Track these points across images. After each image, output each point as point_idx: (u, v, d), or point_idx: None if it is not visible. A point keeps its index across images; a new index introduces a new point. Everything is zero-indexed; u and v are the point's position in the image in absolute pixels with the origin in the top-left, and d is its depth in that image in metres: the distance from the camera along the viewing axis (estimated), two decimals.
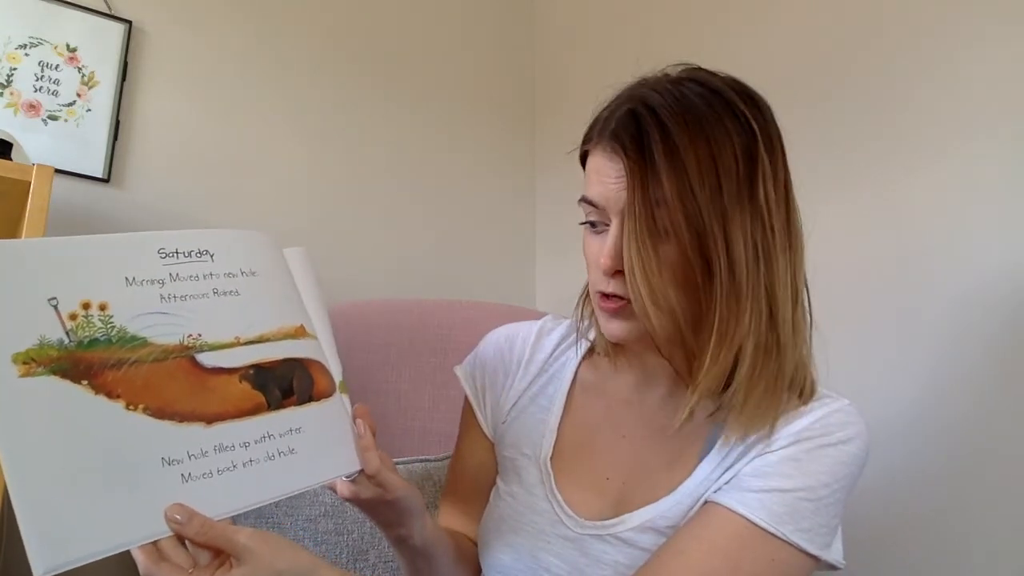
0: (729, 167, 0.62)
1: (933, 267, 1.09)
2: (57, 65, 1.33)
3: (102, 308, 0.52)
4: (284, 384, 0.59)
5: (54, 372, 0.49)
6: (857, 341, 1.15)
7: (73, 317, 0.51)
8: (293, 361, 0.60)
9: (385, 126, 1.72)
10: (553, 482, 0.74)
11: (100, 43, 1.38)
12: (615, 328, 0.68)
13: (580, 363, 0.81)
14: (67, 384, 0.49)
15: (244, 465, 0.54)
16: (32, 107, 1.31)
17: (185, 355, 0.55)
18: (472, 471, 0.84)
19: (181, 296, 0.56)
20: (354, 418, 0.64)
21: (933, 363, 1.07)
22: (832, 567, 0.66)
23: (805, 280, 0.69)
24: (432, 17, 1.83)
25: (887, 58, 1.17)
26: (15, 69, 1.30)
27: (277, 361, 0.59)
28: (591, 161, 0.69)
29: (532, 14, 1.98)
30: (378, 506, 0.65)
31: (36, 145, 1.29)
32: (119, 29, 1.40)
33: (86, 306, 0.52)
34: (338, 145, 1.65)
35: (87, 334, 0.51)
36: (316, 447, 0.59)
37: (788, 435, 0.66)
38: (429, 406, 1.28)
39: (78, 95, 1.35)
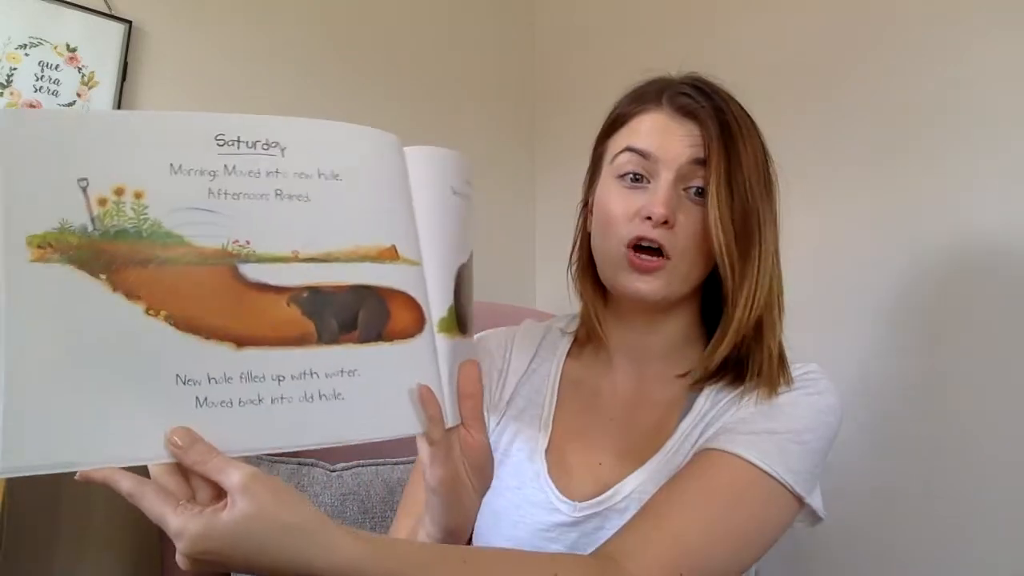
0: (762, 157, 0.73)
1: (933, 265, 1.09)
2: (57, 65, 1.33)
3: (137, 196, 0.45)
4: (346, 315, 0.50)
5: (71, 261, 0.44)
6: (852, 340, 1.15)
7: (102, 202, 0.44)
8: (365, 289, 0.50)
9: (386, 126, 1.70)
10: (546, 472, 0.75)
11: (100, 43, 1.37)
12: (643, 286, 0.71)
13: (565, 359, 0.83)
14: (83, 276, 0.44)
15: (273, 401, 0.47)
16: (32, 107, 1.30)
17: (226, 263, 0.47)
18: None
19: (233, 194, 0.47)
20: (459, 382, 0.55)
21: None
22: (815, 516, 0.69)
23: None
24: (433, 17, 1.82)
25: (887, 57, 1.17)
26: (15, 69, 1.30)
27: (344, 286, 0.50)
28: (647, 119, 0.73)
29: (532, 14, 1.98)
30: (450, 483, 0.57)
31: None
32: (119, 29, 1.39)
33: (119, 192, 0.45)
34: None
35: (115, 223, 0.45)
36: (370, 396, 0.50)
37: (767, 392, 0.71)
38: None
39: (78, 95, 1.35)
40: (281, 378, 0.47)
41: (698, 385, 0.74)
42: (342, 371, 0.49)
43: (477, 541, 0.78)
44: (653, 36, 1.61)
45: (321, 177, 0.50)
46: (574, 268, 0.82)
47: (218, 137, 0.47)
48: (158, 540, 1.13)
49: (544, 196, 1.91)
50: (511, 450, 0.79)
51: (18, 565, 1.14)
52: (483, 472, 0.58)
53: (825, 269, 1.20)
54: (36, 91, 1.31)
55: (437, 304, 0.54)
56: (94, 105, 1.35)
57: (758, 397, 0.70)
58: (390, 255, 0.52)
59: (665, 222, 0.69)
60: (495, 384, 0.83)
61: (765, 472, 0.65)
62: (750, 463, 0.65)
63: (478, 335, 0.87)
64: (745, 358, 0.72)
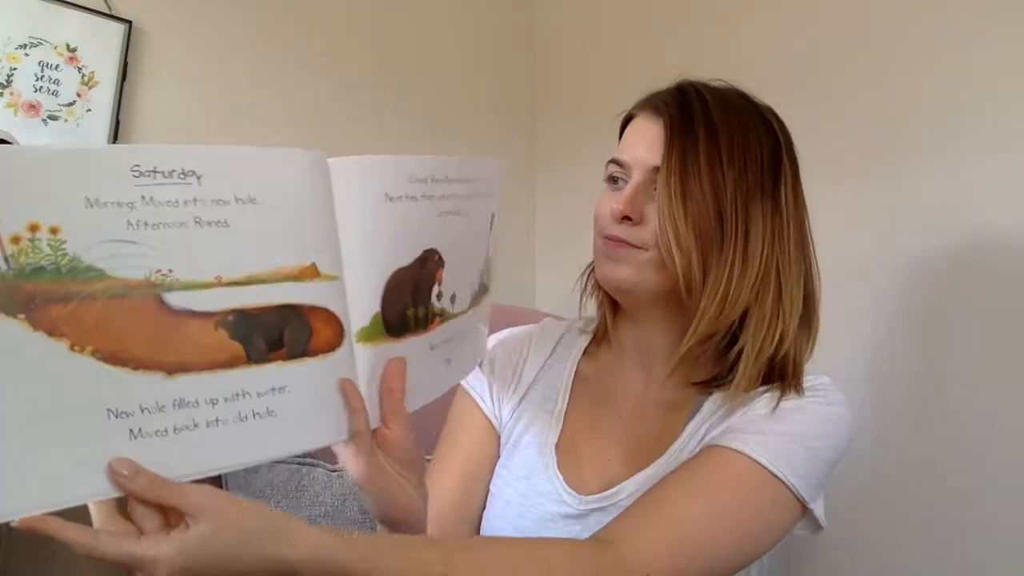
0: (756, 157, 0.71)
1: (938, 267, 1.09)
2: (57, 65, 1.33)
3: (53, 232, 0.43)
4: (272, 335, 0.51)
5: None
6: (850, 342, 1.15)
7: (16, 240, 0.42)
8: (289, 308, 0.52)
9: (386, 126, 1.72)
10: (556, 465, 0.77)
11: (100, 43, 1.37)
12: (613, 273, 0.73)
13: (581, 358, 0.85)
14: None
15: (208, 425, 0.48)
16: (32, 107, 1.31)
17: (150, 293, 0.46)
18: (474, 462, 0.84)
19: (153, 224, 0.46)
20: (381, 379, 0.59)
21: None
22: (816, 524, 0.70)
23: (816, 289, 0.76)
24: (432, 18, 1.82)
25: (887, 57, 1.17)
26: (15, 69, 1.30)
27: (268, 307, 0.51)
28: (631, 124, 0.77)
29: (532, 14, 1.98)
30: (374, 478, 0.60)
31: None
32: (119, 29, 1.39)
33: (33, 228, 0.43)
34: (339, 146, 1.64)
35: (30, 261, 0.43)
36: (301, 410, 0.53)
37: (775, 397, 0.71)
38: (429, 405, 1.28)
39: (78, 95, 1.35)
40: (215, 401, 0.49)
41: (708, 389, 0.74)
42: (273, 389, 0.51)
43: (486, 528, 0.80)
44: (653, 36, 1.61)
45: (238, 202, 0.50)
46: (591, 270, 0.83)
47: (133, 168, 0.46)
48: None
49: (544, 196, 1.90)
50: (521, 442, 0.80)
51: (18, 565, 1.14)
52: (411, 465, 0.61)
53: (826, 270, 1.20)
54: (36, 91, 1.31)
55: (358, 314, 0.56)
56: (94, 105, 1.35)
57: (767, 401, 0.71)
58: (310, 273, 0.53)
59: (626, 218, 0.71)
60: (510, 377, 0.85)
61: (770, 471, 0.65)
62: (755, 461, 0.65)
63: (496, 335, 0.88)
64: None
